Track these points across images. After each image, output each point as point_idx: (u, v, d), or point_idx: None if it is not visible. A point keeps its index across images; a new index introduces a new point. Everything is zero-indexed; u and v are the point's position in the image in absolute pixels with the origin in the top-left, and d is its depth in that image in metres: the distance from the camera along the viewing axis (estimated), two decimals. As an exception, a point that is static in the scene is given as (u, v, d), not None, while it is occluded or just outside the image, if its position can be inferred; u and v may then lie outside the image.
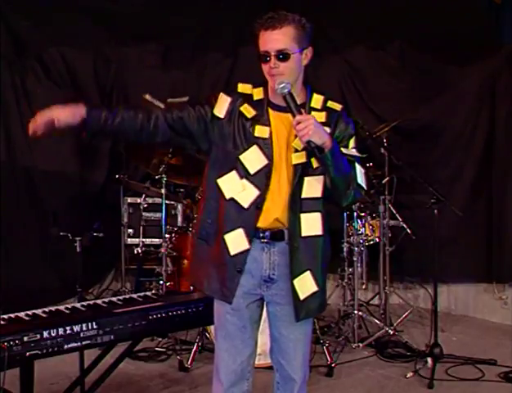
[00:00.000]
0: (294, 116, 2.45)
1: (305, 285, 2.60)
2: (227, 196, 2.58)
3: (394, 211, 5.26)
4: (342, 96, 6.05)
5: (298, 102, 2.53)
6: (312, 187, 2.57)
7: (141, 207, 5.31)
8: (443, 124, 5.80)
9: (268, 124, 2.57)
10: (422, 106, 5.85)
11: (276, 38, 2.48)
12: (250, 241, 2.57)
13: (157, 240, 5.28)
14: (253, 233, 2.57)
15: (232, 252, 2.58)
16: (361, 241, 5.04)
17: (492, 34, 5.86)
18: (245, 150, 2.56)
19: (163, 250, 4.87)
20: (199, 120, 2.61)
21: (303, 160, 2.54)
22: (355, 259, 5.01)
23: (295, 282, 2.58)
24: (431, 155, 5.79)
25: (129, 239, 5.53)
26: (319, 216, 2.60)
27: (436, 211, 4.37)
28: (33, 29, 5.80)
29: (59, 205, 5.51)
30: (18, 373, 3.09)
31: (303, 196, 2.56)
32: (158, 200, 5.19)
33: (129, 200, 5.57)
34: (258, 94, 2.62)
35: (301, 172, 2.54)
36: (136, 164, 5.78)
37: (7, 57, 5.62)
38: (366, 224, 5.11)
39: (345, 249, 5.10)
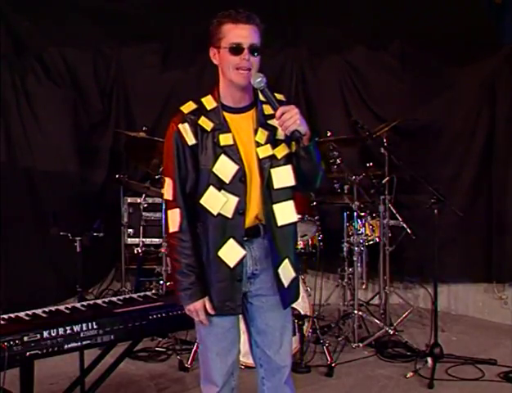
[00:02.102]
0: (274, 108, 2.50)
1: (286, 272, 2.65)
2: (215, 213, 2.57)
3: (394, 211, 5.26)
4: (342, 96, 6.05)
5: (248, 101, 2.61)
6: (282, 177, 2.61)
7: (141, 207, 5.31)
8: (443, 124, 5.80)
9: (229, 130, 2.59)
10: (422, 106, 5.84)
11: (251, 32, 2.53)
12: (244, 247, 2.60)
13: (157, 240, 5.28)
14: (242, 239, 2.60)
15: (232, 264, 2.59)
16: (361, 240, 5.04)
17: (492, 34, 5.86)
18: (215, 162, 2.57)
19: (163, 250, 4.87)
20: (192, 167, 2.60)
21: (270, 152, 2.59)
22: (355, 258, 5.01)
23: (280, 270, 2.63)
24: (431, 155, 5.79)
25: (129, 239, 5.53)
26: (291, 203, 2.65)
27: (436, 211, 4.38)
28: (33, 29, 5.80)
29: (59, 205, 5.51)
30: (18, 373, 3.09)
31: (275, 186, 2.60)
32: (158, 200, 5.19)
33: (129, 200, 5.57)
34: (209, 103, 2.63)
35: (269, 165, 2.58)
36: (136, 164, 5.78)
37: (7, 57, 5.62)
38: (366, 224, 5.11)
39: (345, 249, 5.11)
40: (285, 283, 2.64)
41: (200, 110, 2.61)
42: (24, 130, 5.66)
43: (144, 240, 5.28)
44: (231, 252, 2.59)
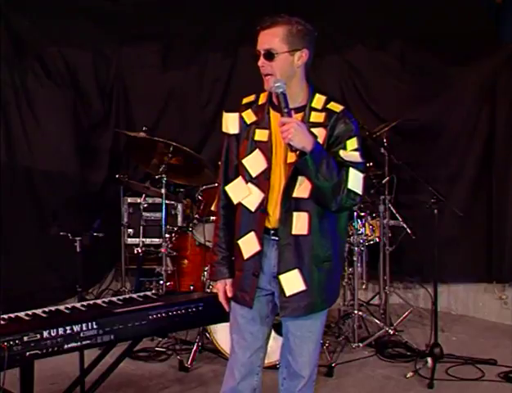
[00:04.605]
0: (282, 116, 2.52)
1: (292, 282, 2.61)
2: (235, 201, 2.68)
3: (394, 211, 5.26)
4: (342, 96, 6.04)
5: (298, 103, 2.60)
6: (302, 187, 2.59)
7: (141, 207, 5.30)
8: (443, 124, 5.79)
9: (268, 127, 2.63)
10: (422, 106, 5.84)
11: (265, 37, 2.56)
12: (262, 244, 2.62)
13: (157, 240, 5.28)
14: (263, 235, 2.63)
15: (246, 256, 2.65)
16: (361, 240, 5.04)
17: (492, 34, 5.86)
18: (248, 154, 2.64)
19: (163, 250, 4.86)
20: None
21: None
22: (355, 259, 5.01)
23: (281, 277, 2.61)
24: (431, 155, 5.78)
25: (129, 239, 5.54)
26: (306, 216, 2.59)
27: (436, 211, 4.38)
28: (33, 29, 5.79)
29: (59, 205, 5.51)
30: (18, 373, 3.09)
31: (294, 195, 2.59)
32: (158, 200, 5.19)
33: (129, 200, 5.57)
34: (262, 98, 2.70)
35: (295, 170, 2.57)
36: (137, 164, 5.78)
37: (7, 57, 5.61)
38: (366, 224, 5.11)
39: (345, 249, 5.10)
40: (287, 292, 2.61)
41: (252, 103, 2.70)
42: (24, 130, 5.65)
43: (144, 240, 5.27)
44: (248, 244, 2.64)
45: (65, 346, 2.90)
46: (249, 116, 2.67)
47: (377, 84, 6.01)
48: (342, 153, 2.57)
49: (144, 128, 5.11)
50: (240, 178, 2.67)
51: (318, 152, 2.48)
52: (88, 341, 2.96)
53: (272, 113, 2.65)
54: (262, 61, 2.56)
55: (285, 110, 2.49)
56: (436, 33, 5.72)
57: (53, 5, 5.74)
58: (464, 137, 5.76)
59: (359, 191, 2.56)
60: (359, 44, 6.03)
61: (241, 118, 2.69)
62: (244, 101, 2.73)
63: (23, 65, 5.74)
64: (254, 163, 2.62)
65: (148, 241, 5.35)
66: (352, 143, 2.59)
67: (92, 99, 5.95)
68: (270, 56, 2.54)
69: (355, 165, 2.56)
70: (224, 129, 2.72)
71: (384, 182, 5.18)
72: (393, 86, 5.98)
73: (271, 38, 2.55)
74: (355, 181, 2.54)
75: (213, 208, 2.82)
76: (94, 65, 5.95)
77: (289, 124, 2.45)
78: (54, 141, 5.73)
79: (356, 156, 2.58)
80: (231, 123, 2.71)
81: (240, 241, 2.67)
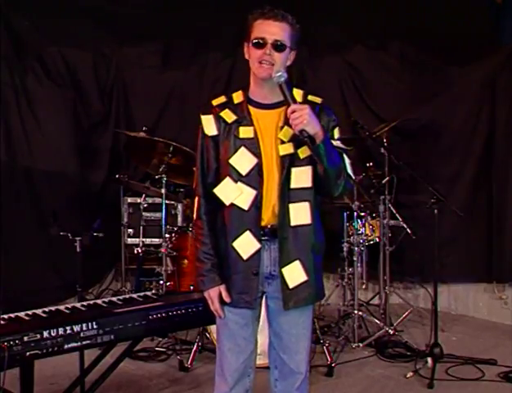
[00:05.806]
0: (288, 105, 2.49)
1: (294, 274, 2.62)
2: (227, 203, 2.63)
3: (394, 211, 5.26)
4: (342, 96, 6.05)
5: (279, 98, 2.59)
6: (300, 178, 2.60)
7: (141, 207, 5.31)
8: (443, 124, 5.80)
9: (251, 124, 2.62)
10: (422, 106, 5.85)
11: (276, 29, 2.56)
12: (260, 241, 2.61)
13: (157, 240, 5.28)
14: (259, 233, 2.61)
15: (245, 256, 2.62)
16: (361, 240, 5.04)
17: (492, 34, 5.86)
18: (234, 153, 2.61)
19: (163, 250, 4.86)
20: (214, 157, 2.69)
21: (291, 151, 2.59)
22: (355, 259, 5.01)
23: (284, 270, 2.62)
24: (431, 154, 5.79)
25: (129, 239, 5.54)
26: (307, 205, 2.62)
27: (436, 211, 4.37)
28: (33, 29, 5.80)
29: (59, 205, 5.51)
30: (18, 373, 3.09)
31: (292, 186, 2.60)
32: (158, 200, 5.19)
33: (129, 200, 5.58)
34: (237, 97, 2.68)
35: (288, 163, 2.58)
36: (136, 164, 5.78)
37: (7, 57, 5.62)
38: (366, 224, 5.11)
39: (345, 249, 5.11)
40: (290, 285, 2.62)
41: (227, 104, 2.67)
42: (24, 130, 5.66)
43: (144, 240, 5.27)
44: (245, 244, 2.61)
45: (65, 346, 2.90)
46: (229, 116, 2.64)
47: (377, 84, 6.02)
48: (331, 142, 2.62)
49: (144, 128, 5.12)
50: (227, 178, 2.62)
51: (328, 138, 2.52)
52: (88, 341, 2.97)
53: (252, 110, 2.64)
54: (270, 50, 2.55)
55: (292, 98, 2.49)
56: (436, 33, 5.73)
57: (53, 5, 5.74)
58: (464, 136, 5.76)
59: (353, 175, 2.67)
60: (359, 44, 6.04)
61: (219, 118, 2.65)
62: (215, 102, 2.68)
63: (23, 65, 5.75)
64: (242, 161, 2.60)
65: (148, 241, 5.35)
66: (337, 132, 2.69)
67: (92, 99, 5.96)
68: (282, 47, 2.55)
69: (344, 152, 2.65)
70: (205, 131, 2.69)
71: (384, 182, 5.18)
72: (393, 86, 5.99)
73: (282, 31, 2.56)
74: (349, 166, 2.65)
75: (195, 216, 2.72)
76: (94, 65, 5.96)
77: (301, 110, 2.44)
78: (54, 141, 5.74)
79: (341, 145, 2.66)
80: (207, 125, 2.68)
81: (235, 244, 2.62)
